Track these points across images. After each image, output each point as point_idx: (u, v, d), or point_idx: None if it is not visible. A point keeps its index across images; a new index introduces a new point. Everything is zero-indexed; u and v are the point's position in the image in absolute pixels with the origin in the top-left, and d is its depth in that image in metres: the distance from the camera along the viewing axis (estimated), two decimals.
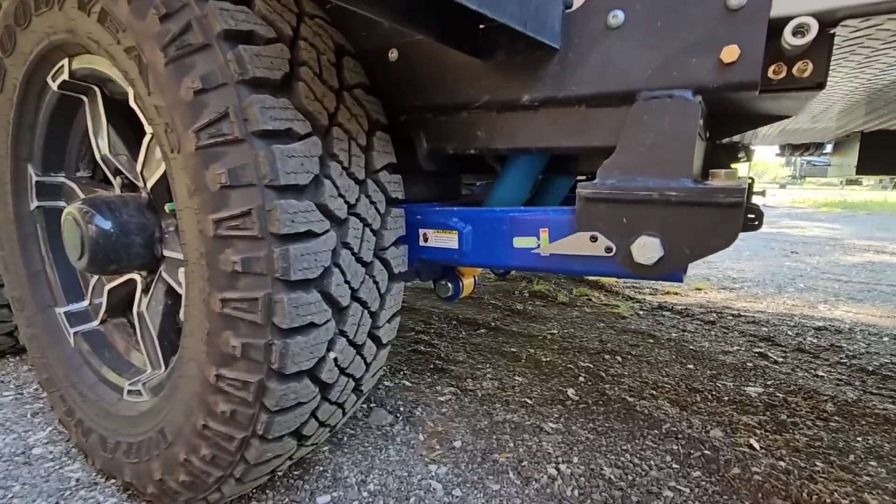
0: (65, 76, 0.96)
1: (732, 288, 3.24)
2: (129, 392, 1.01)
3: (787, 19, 0.65)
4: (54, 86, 1.00)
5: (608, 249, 0.81)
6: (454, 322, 2.37)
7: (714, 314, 2.63)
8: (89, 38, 0.82)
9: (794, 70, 0.70)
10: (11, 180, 1.13)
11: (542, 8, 0.73)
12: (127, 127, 1.03)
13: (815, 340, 2.24)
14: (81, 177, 1.17)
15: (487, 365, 1.88)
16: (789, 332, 2.34)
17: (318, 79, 0.75)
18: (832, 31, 0.67)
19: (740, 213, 0.69)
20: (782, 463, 1.24)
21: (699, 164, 0.94)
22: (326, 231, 0.71)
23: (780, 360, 2.00)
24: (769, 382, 1.76)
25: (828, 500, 1.09)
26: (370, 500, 1.08)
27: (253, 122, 0.65)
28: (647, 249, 0.75)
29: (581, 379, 1.76)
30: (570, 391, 1.66)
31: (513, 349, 2.05)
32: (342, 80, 0.81)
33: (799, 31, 0.64)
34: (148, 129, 0.82)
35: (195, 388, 0.77)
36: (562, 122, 0.85)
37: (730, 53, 0.68)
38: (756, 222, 1.27)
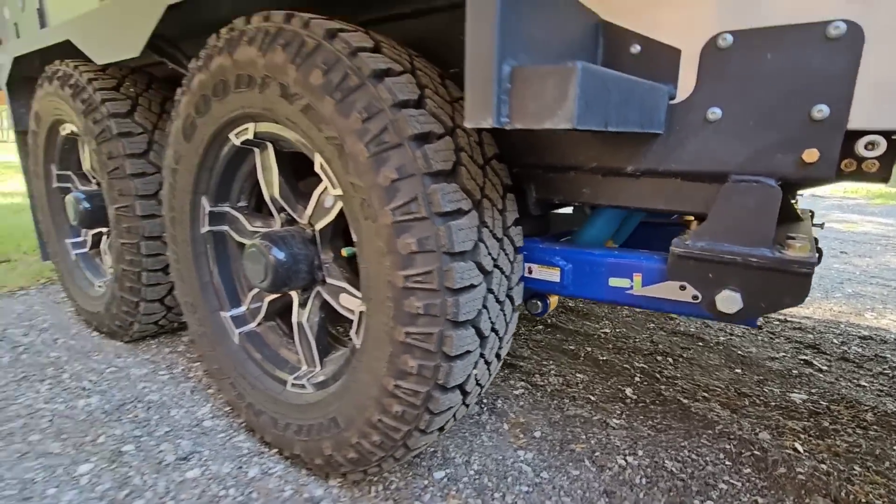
0: (248, 136, 1.21)
1: None
2: (294, 385, 1.29)
3: (860, 133, 0.82)
4: (237, 142, 1.25)
5: (695, 297, 1.00)
6: None
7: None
8: (287, 119, 1.06)
9: (864, 166, 0.87)
10: (190, 210, 1.40)
11: (654, 109, 0.92)
12: (291, 174, 1.28)
13: (859, 350, 2.36)
14: (242, 206, 1.43)
15: (551, 362, 2.11)
16: (834, 340, 2.47)
17: (471, 160, 0.97)
18: None
19: (810, 280, 0.88)
20: (823, 465, 1.43)
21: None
22: (480, 283, 0.94)
23: (825, 368, 2.15)
24: (813, 390, 1.93)
25: (863, 500, 1.29)
26: (476, 477, 1.34)
27: (435, 205, 0.88)
28: (729, 302, 0.95)
29: (637, 379, 1.97)
30: (629, 390, 1.87)
31: (571, 347, 2.27)
32: (485, 155, 1.03)
33: (870, 145, 0.81)
34: (333, 191, 1.05)
35: (372, 392, 1.03)
36: (659, 189, 1.04)
37: (810, 155, 0.85)
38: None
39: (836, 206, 8.63)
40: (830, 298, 3.20)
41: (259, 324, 1.44)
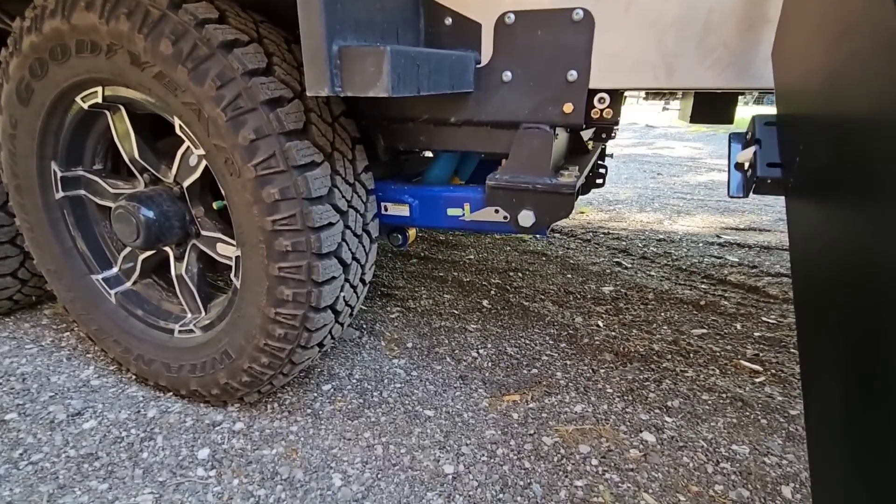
0: (97, 100, 1.23)
1: (608, 210, 4.05)
2: (181, 331, 1.42)
3: (596, 91, 1.17)
4: (84, 105, 1.25)
5: (505, 217, 1.34)
6: (390, 255, 2.87)
7: (591, 233, 3.39)
8: (138, 84, 1.12)
9: (603, 114, 1.23)
10: (38, 176, 1.38)
11: (463, 72, 1.17)
12: (149, 135, 1.33)
13: (655, 249, 3.07)
14: (99, 169, 1.44)
15: (422, 288, 2.44)
16: (639, 244, 3.16)
17: (321, 119, 1.15)
18: (621, 94, 1.20)
19: (573, 199, 1.24)
20: (613, 333, 1.98)
21: (562, 155, 1.48)
22: (338, 221, 1.16)
23: (629, 266, 2.79)
24: (618, 282, 2.53)
25: (632, 350, 1.84)
26: (358, 383, 1.63)
27: (291, 160, 1.06)
28: (526, 218, 1.29)
29: (493, 292, 2.39)
30: (485, 302, 2.28)
31: (440, 273, 2.62)
32: (333, 113, 1.21)
33: (601, 99, 1.16)
34: (197, 151, 1.16)
35: (256, 321, 1.21)
36: (475, 135, 1.33)
37: (568, 107, 1.19)
38: (601, 181, 1.87)
39: (662, 135, 10.15)
40: (643, 212, 3.99)
41: (135, 282, 1.51)
